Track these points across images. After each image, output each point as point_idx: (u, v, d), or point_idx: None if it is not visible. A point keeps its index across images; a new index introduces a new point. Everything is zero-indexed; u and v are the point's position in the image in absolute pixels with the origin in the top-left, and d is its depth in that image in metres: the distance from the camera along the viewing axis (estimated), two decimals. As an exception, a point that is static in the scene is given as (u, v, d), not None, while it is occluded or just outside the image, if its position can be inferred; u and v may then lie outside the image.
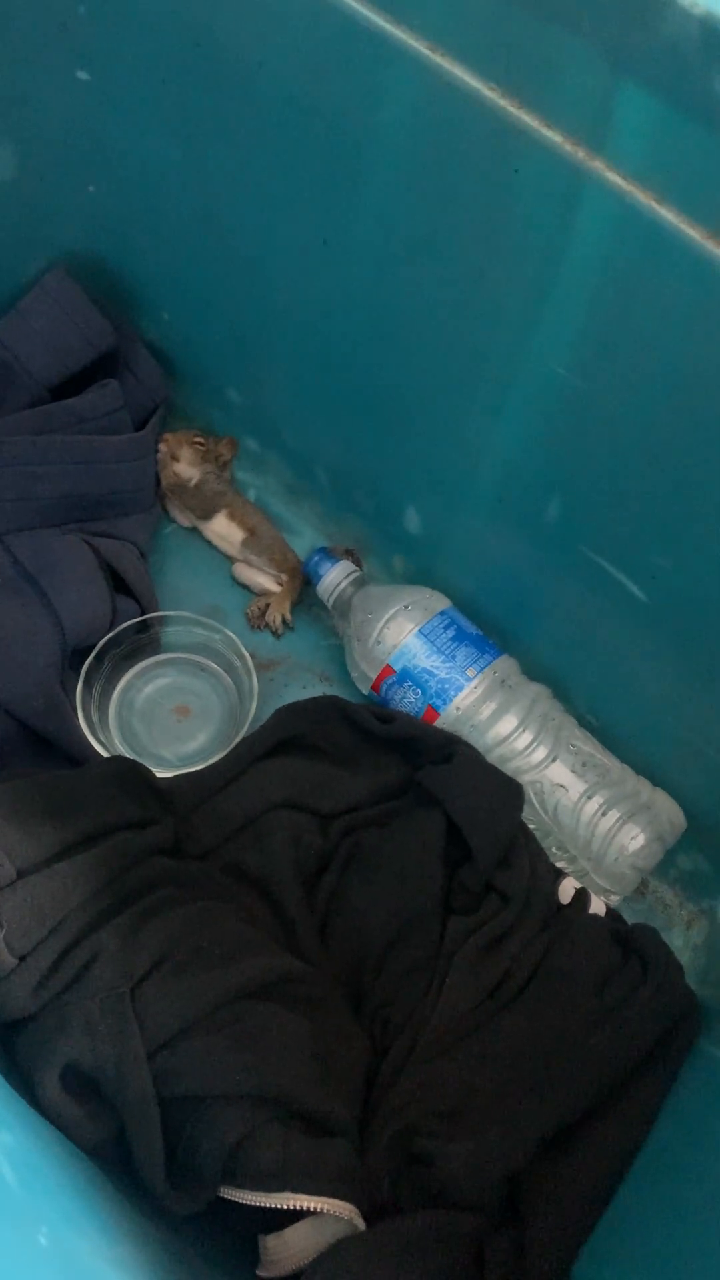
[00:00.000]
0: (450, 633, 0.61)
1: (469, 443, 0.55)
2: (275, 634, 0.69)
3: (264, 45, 0.49)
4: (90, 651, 0.61)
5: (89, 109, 0.57)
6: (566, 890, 0.56)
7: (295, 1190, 0.42)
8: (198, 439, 0.69)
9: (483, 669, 0.60)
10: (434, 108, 0.45)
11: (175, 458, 0.68)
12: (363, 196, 0.50)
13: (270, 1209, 0.42)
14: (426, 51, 0.44)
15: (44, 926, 0.45)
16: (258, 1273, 0.44)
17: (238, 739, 0.60)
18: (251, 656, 0.64)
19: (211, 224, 0.59)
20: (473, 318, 0.50)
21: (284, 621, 0.68)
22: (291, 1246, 0.43)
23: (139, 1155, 0.43)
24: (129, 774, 0.55)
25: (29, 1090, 0.44)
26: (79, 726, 0.59)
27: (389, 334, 0.55)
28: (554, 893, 0.56)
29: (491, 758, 0.59)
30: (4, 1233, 0.31)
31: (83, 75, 0.55)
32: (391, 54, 0.44)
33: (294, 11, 0.46)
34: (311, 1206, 0.41)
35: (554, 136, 0.43)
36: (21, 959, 0.45)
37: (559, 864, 0.58)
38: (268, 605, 0.69)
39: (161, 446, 0.68)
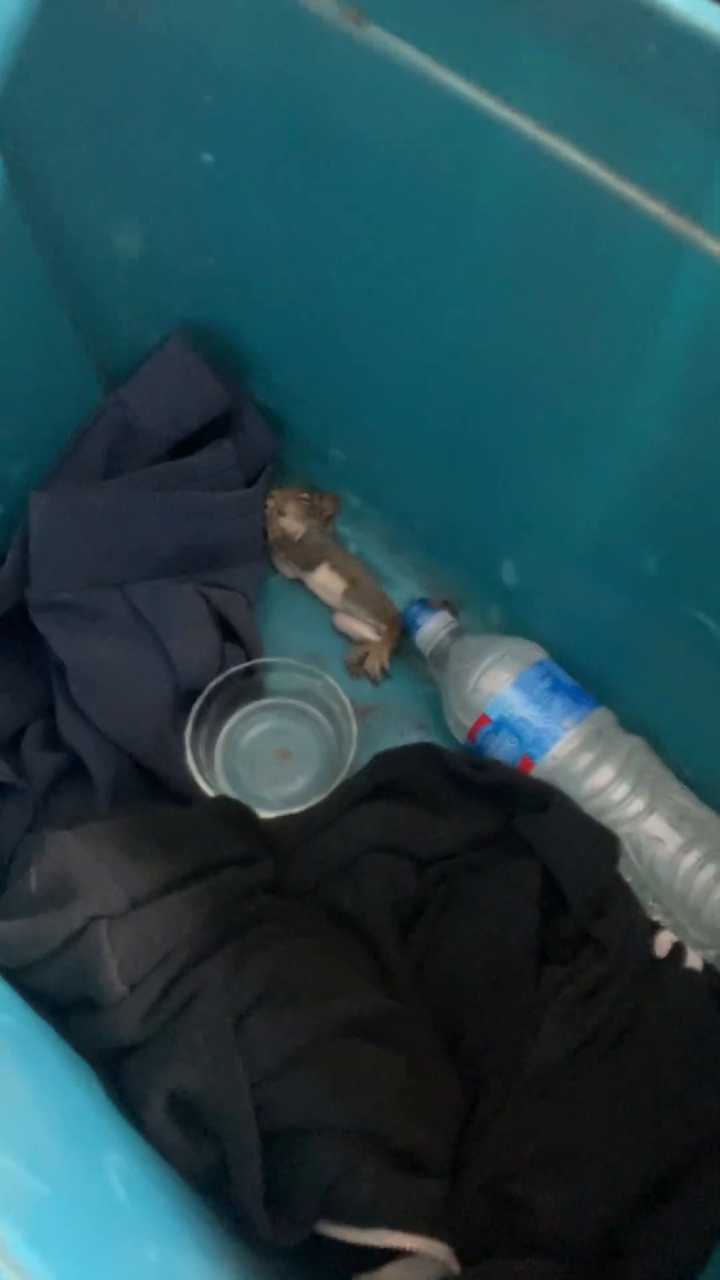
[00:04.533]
0: (547, 683, 0.62)
1: (565, 497, 0.57)
2: (373, 681, 0.71)
3: (372, 125, 0.51)
4: (199, 694, 0.64)
5: (210, 188, 0.61)
6: (663, 943, 0.55)
7: (391, 1227, 0.42)
8: (303, 495, 0.72)
9: (579, 719, 0.61)
10: (535, 180, 0.47)
11: (281, 512, 0.71)
12: (461, 265, 0.53)
13: (364, 1248, 0.43)
14: (531, 129, 0.46)
15: (154, 957, 0.47)
16: (350, 1313, 0.44)
17: (336, 783, 0.62)
18: (350, 703, 0.66)
19: (320, 293, 0.62)
20: (569, 380, 0.52)
21: (382, 669, 0.70)
22: (385, 1287, 0.44)
23: (239, 1185, 0.44)
24: (235, 813, 0.57)
25: (135, 1116, 0.45)
26: (187, 766, 0.61)
27: (486, 396, 0.57)
28: (650, 945, 0.55)
29: (587, 809, 0.59)
30: (120, 1246, 0.33)
31: (207, 158, 0.59)
32: (495, 130, 0.47)
33: (402, 94, 0.49)
34: (406, 1246, 0.42)
35: (655, 207, 0.44)
36: (132, 988, 0.47)
37: (655, 918, 0.58)
38: (367, 653, 0.71)
39: (269, 502, 0.71)
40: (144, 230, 0.64)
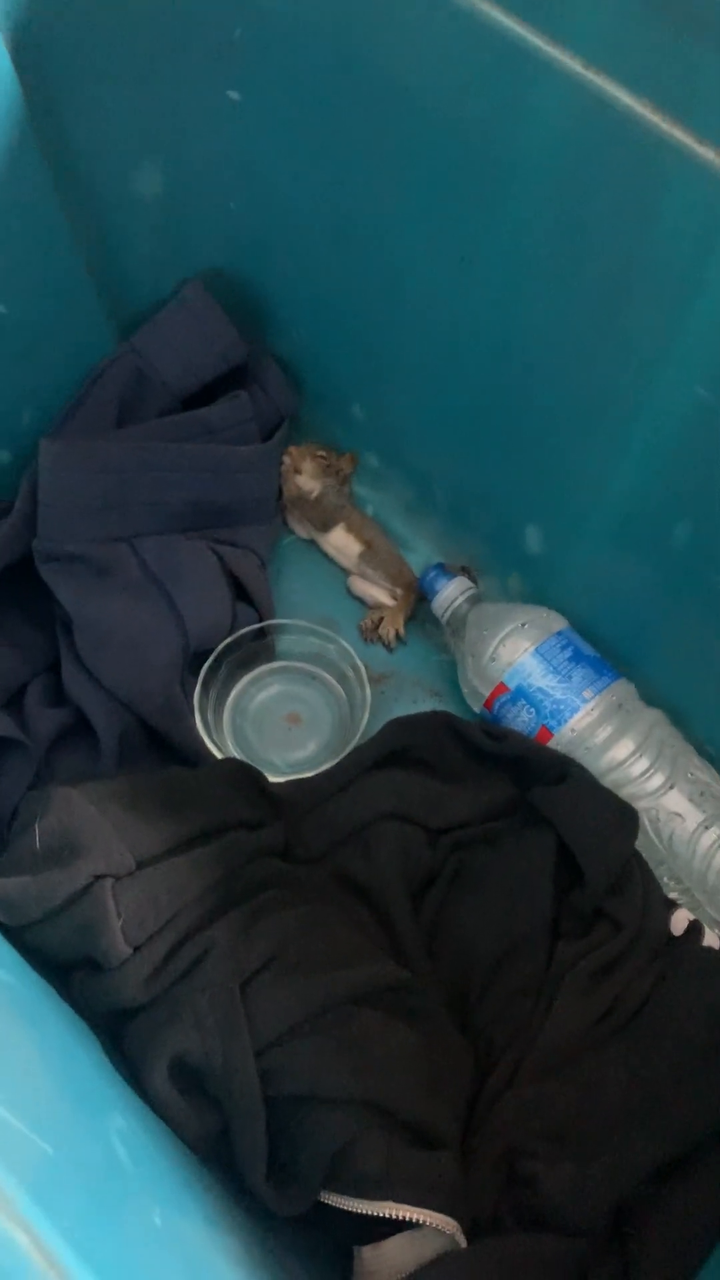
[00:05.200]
0: (567, 653, 0.61)
1: (596, 462, 0.55)
2: (388, 648, 0.69)
3: (414, 64, 0.49)
4: (209, 655, 0.62)
5: (236, 128, 0.59)
6: (680, 921, 0.54)
7: (398, 1200, 0.41)
8: (320, 453, 0.70)
9: (600, 691, 0.59)
10: (582, 124, 0.45)
11: (298, 470, 0.69)
12: (503, 215, 0.51)
13: (367, 1219, 0.42)
14: (579, 68, 0.44)
15: (159, 918, 0.46)
16: (351, 1285, 0.43)
17: (347, 749, 0.60)
18: (365, 668, 0.65)
19: (347, 243, 0.60)
20: (609, 338, 0.50)
21: (397, 635, 0.69)
22: (388, 1259, 0.42)
23: (241, 1152, 0.43)
24: (243, 776, 0.55)
25: (137, 1081, 0.44)
26: (195, 727, 0.60)
27: (519, 354, 0.56)
28: (666, 923, 0.54)
29: (605, 783, 0.58)
30: (123, 1209, 0.32)
31: (234, 95, 0.57)
32: (543, 70, 0.45)
33: (447, 31, 0.47)
34: (413, 1218, 0.41)
35: (706, 153, 0.42)
36: (136, 949, 0.45)
37: (672, 895, 0.57)
38: (382, 619, 0.69)
39: (285, 459, 0.69)
40: (164, 171, 0.62)
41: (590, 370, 0.52)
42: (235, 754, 0.62)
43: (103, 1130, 0.36)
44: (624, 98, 0.44)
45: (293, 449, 0.70)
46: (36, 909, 0.46)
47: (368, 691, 0.63)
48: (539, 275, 0.51)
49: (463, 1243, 0.42)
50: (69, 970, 0.48)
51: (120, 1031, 0.46)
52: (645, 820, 0.57)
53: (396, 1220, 0.41)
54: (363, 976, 0.47)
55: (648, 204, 0.45)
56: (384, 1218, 0.41)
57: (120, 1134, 0.37)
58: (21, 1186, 0.26)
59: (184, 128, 0.59)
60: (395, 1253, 0.42)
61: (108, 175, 0.61)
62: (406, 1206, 0.41)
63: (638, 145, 0.44)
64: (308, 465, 0.69)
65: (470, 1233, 0.43)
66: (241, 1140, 0.43)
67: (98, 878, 0.46)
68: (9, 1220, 0.25)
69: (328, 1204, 0.43)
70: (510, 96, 0.47)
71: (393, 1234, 0.42)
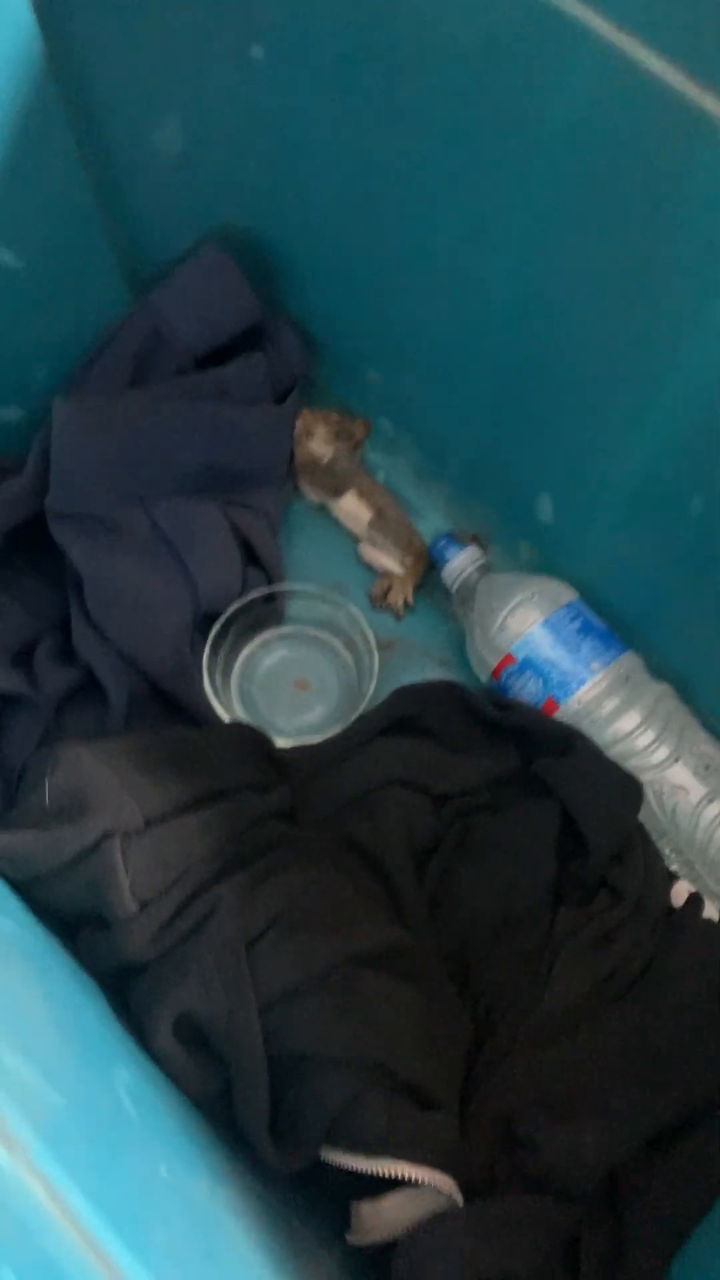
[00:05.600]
0: (576, 625, 0.61)
1: (615, 432, 0.54)
2: (396, 615, 0.69)
3: (441, 24, 0.49)
4: (218, 618, 0.62)
5: (258, 86, 0.58)
6: (680, 893, 0.55)
7: (397, 1158, 0.42)
8: (333, 417, 0.70)
9: (608, 664, 0.59)
10: (612, 89, 0.44)
11: (310, 434, 0.69)
12: (528, 179, 0.50)
13: (366, 1177, 0.43)
14: (610, 30, 0.43)
15: (167, 876, 0.46)
16: (348, 1238, 0.44)
17: (354, 715, 0.60)
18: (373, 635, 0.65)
19: (366, 204, 0.59)
20: (634, 306, 0.49)
21: (405, 603, 0.69)
22: (385, 1215, 0.43)
23: (243, 1109, 0.44)
24: (251, 739, 0.56)
25: (141, 1037, 0.45)
26: (203, 690, 0.60)
27: (540, 320, 0.55)
28: (667, 894, 0.55)
29: (610, 755, 0.58)
30: (132, 1161, 0.32)
31: (257, 52, 0.56)
32: (573, 32, 0.44)
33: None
34: (413, 1176, 0.42)
35: (738, 121, 0.42)
36: (143, 906, 0.46)
37: (673, 867, 0.57)
38: (390, 586, 0.69)
39: (298, 422, 0.69)
40: (184, 127, 0.61)
41: (613, 338, 0.51)
42: (242, 717, 0.62)
43: (110, 1083, 0.37)
44: (655, 62, 0.43)
45: (306, 413, 0.69)
46: (45, 864, 0.46)
47: (375, 659, 0.63)
48: (562, 241, 0.50)
49: (460, 1202, 0.43)
50: (75, 927, 0.48)
51: (125, 989, 0.47)
52: (649, 793, 0.57)
53: (395, 1178, 0.42)
54: (366, 939, 0.47)
55: (677, 172, 0.44)
56: (383, 1176, 0.42)
57: (127, 1087, 0.38)
58: (35, 1134, 0.26)
59: (206, 84, 0.58)
60: (393, 1209, 0.43)
61: (128, 129, 0.60)
62: (406, 1164, 0.42)
63: (668, 111, 0.43)
64: (320, 430, 0.69)
65: (467, 1194, 0.44)
66: (244, 1097, 0.44)
67: (107, 834, 0.46)
68: (23, 1167, 0.25)
69: (327, 1161, 0.43)
70: (540, 58, 0.46)
71: (391, 1192, 0.43)
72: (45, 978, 0.40)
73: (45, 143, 0.55)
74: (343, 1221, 0.45)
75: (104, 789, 0.47)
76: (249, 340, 0.67)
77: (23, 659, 0.60)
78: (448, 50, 0.49)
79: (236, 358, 0.65)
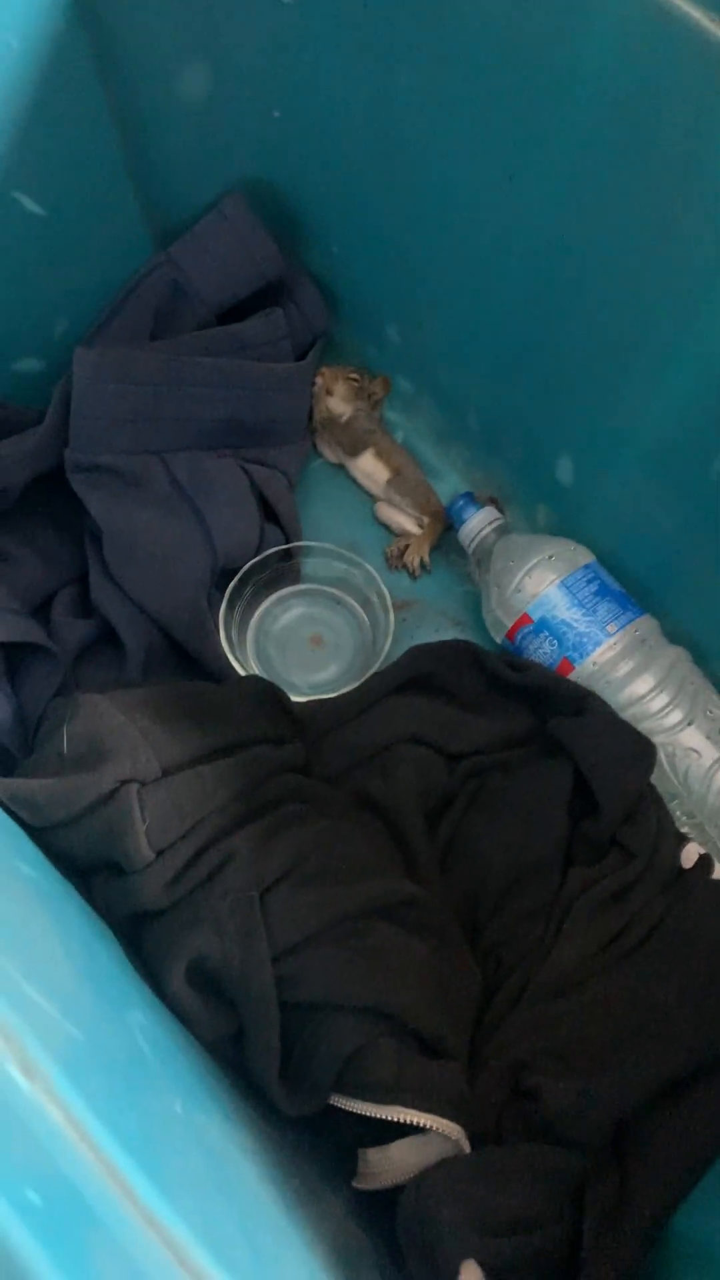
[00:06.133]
0: (593, 587, 0.60)
1: (638, 392, 0.54)
2: (412, 575, 0.69)
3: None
4: (235, 574, 0.62)
5: (285, 33, 0.57)
6: (690, 854, 0.55)
7: (406, 1104, 0.43)
8: (353, 375, 0.69)
9: (624, 626, 0.59)
10: (644, 37, 0.44)
11: (329, 392, 0.69)
12: (555, 130, 0.49)
13: (375, 1123, 0.43)
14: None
15: (183, 825, 0.47)
16: (354, 1184, 0.45)
17: (368, 673, 0.61)
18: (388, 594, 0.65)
19: (391, 157, 0.59)
20: (660, 262, 0.49)
21: (422, 564, 0.69)
22: (393, 1161, 0.44)
23: (255, 1054, 0.44)
24: (267, 694, 0.56)
25: (155, 983, 0.45)
26: (220, 644, 0.60)
27: (564, 280, 0.54)
28: (677, 855, 0.55)
29: (624, 717, 0.58)
30: (147, 1095, 0.33)
31: (286, -2, 0.55)
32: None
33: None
34: (421, 1122, 0.42)
35: (773, 71, 0.41)
36: (159, 854, 0.46)
37: (684, 829, 0.57)
38: (407, 546, 0.69)
39: (317, 380, 0.69)
40: (210, 74, 0.60)
41: (638, 295, 0.51)
42: (258, 673, 0.62)
43: (125, 1024, 0.37)
44: (687, 8, 0.42)
45: (325, 370, 0.69)
46: (62, 811, 0.46)
47: (391, 617, 0.63)
48: (589, 194, 0.50)
49: (466, 1149, 0.44)
50: (90, 874, 0.49)
51: (139, 937, 0.47)
52: (662, 755, 0.57)
53: (402, 1125, 0.43)
54: (378, 890, 0.48)
55: (708, 123, 0.44)
56: (391, 1121, 0.43)
57: (141, 1029, 0.38)
58: (55, 1063, 0.27)
59: (233, 30, 0.58)
60: (400, 1155, 0.44)
61: (154, 76, 0.59)
62: (414, 1111, 0.42)
63: (700, 59, 0.42)
64: (340, 388, 0.69)
65: (474, 1143, 0.45)
66: (255, 1042, 0.44)
67: (124, 782, 0.46)
68: (43, 1095, 0.26)
69: (335, 1107, 0.44)
70: (570, 5, 0.45)
71: (398, 1138, 0.44)
72: (62, 922, 0.41)
73: (72, 90, 0.55)
74: (350, 1167, 0.46)
75: (122, 737, 0.48)
76: (270, 296, 0.66)
77: (42, 611, 0.61)
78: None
79: (257, 313, 0.65)
